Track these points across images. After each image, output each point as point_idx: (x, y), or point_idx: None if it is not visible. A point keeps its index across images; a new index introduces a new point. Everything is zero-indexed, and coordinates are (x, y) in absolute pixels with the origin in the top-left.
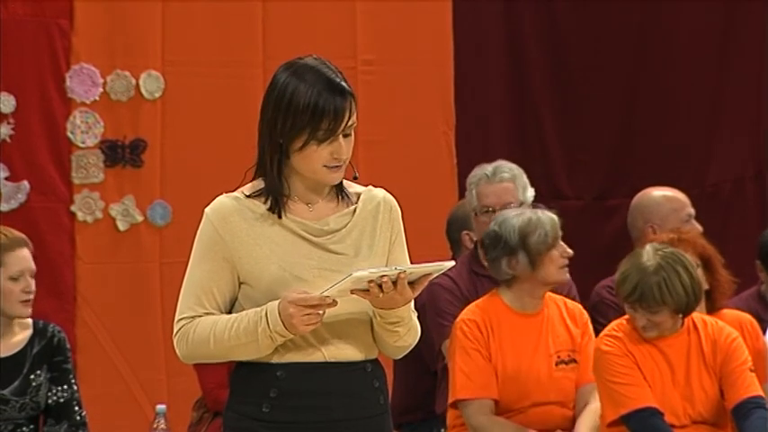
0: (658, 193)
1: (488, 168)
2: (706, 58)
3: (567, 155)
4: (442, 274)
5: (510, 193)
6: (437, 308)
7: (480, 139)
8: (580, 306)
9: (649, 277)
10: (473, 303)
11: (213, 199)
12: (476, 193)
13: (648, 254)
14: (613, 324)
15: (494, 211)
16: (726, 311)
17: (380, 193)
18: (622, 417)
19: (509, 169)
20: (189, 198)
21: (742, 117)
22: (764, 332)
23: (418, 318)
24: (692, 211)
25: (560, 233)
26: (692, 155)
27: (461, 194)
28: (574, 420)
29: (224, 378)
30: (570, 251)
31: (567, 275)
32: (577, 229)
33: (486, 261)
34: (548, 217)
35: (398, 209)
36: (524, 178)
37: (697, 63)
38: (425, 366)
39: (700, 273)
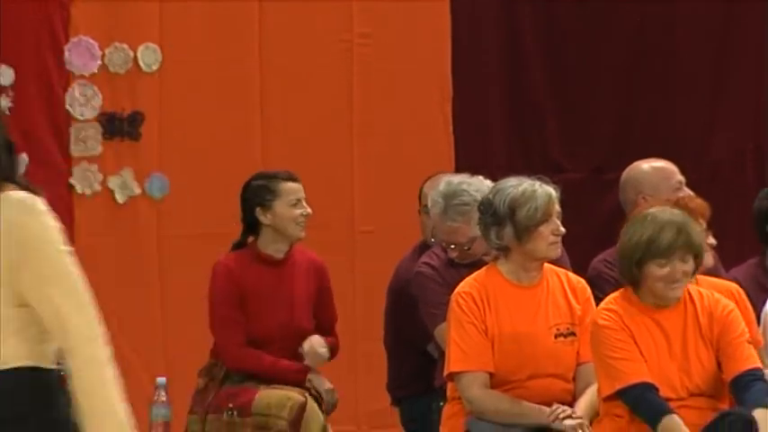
0: (646, 164)
1: (440, 201)
2: (708, 33)
3: (566, 128)
4: (424, 263)
5: (460, 233)
6: (426, 298)
7: (477, 110)
8: (583, 281)
9: (687, 224)
10: (470, 276)
11: (211, 171)
12: (431, 217)
13: (659, 211)
14: (609, 297)
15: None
16: (712, 280)
17: (11, 201)
18: (618, 391)
19: (463, 204)
20: (187, 171)
21: (743, 91)
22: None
23: (407, 306)
24: (681, 178)
25: (556, 209)
26: (692, 129)
27: (458, 168)
28: (572, 393)
29: (243, 338)
30: (562, 229)
31: (558, 252)
32: (575, 203)
33: (479, 226)
34: (544, 191)
35: (43, 224)
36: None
37: (699, 37)
38: (415, 347)
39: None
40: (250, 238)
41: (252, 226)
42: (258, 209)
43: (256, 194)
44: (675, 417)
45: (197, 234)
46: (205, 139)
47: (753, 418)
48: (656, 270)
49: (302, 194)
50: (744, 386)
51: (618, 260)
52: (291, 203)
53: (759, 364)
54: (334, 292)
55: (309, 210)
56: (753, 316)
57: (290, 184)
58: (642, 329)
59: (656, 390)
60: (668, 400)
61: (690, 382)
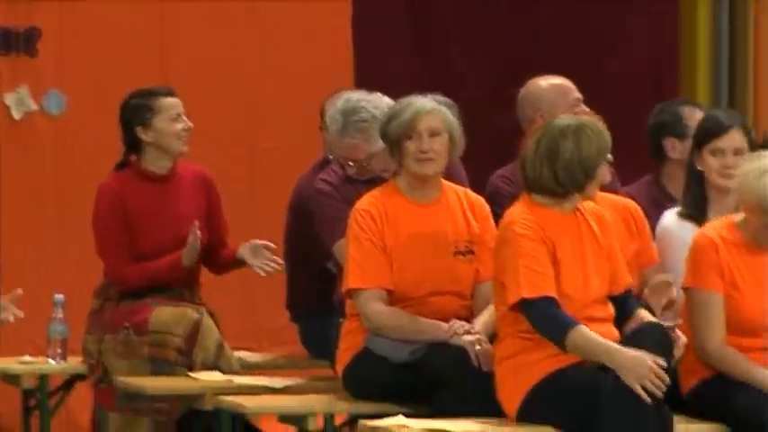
0: (544, 81)
1: (338, 118)
2: None
3: (468, 42)
4: (322, 179)
5: (359, 150)
6: (324, 214)
7: (377, 27)
8: (482, 199)
9: (603, 127)
10: (369, 193)
11: (109, 88)
12: (329, 134)
13: (565, 118)
14: (517, 207)
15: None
16: (610, 197)
17: None
18: (522, 302)
19: (362, 120)
20: (85, 87)
21: (647, 7)
22: (662, 217)
23: (306, 223)
24: (579, 95)
25: (428, 126)
26: (592, 44)
27: (358, 85)
28: (470, 310)
29: (126, 258)
30: (425, 146)
31: (428, 170)
32: (476, 120)
33: None
34: (414, 107)
35: None
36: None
37: None
38: (314, 264)
39: None
40: (133, 158)
41: (134, 145)
42: (138, 127)
43: (135, 113)
44: (582, 327)
45: (94, 151)
46: (104, 55)
47: (666, 328)
48: (601, 171)
49: (181, 109)
50: (628, 302)
51: (566, 171)
52: (172, 118)
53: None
54: (236, 210)
55: (190, 123)
56: (649, 232)
57: (169, 100)
58: (558, 235)
59: (559, 305)
60: (574, 304)
61: (598, 286)
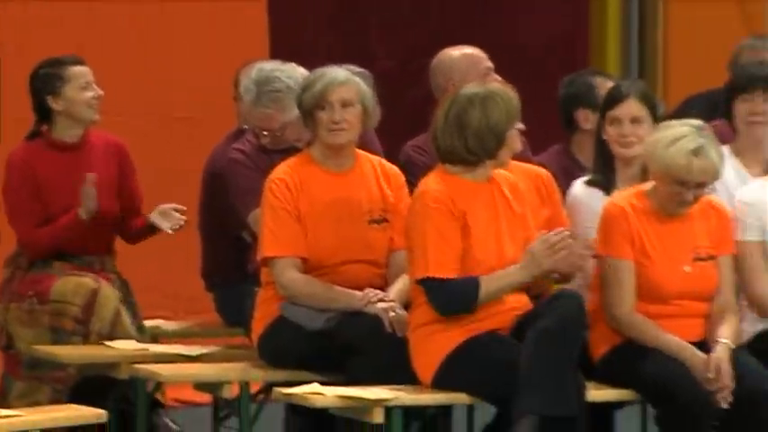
0: (456, 51)
1: (252, 88)
2: None
3: (383, 14)
4: (236, 149)
5: (273, 119)
6: (238, 184)
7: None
8: (397, 169)
9: (513, 93)
10: (284, 162)
11: (23, 59)
12: (243, 104)
13: (473, 86)
14: (431, 179)
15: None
16: (523, 165)
17: None
18: (424, 280)
19: (275, 90)
20: (18, 54)
21: None
22: (571, 186)
23: (221, 193)
24: (490, 64)
25: (340, 97)
26: (505, 14)
27: (273, 54)
28: (385, 279)
29: (39, 224)
30: (337, 117)
31: (337, 140)
32: (390, 90)
33: None
34: (327, 78)
35: None
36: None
37: None
38: (230, 233)
39: None
40: (44, 127)
41: (44, 114)
42: (49, 97)
43: (45, 82)
44: (481, 277)
45: (18, 118)
46: (17, 24)
47: (582, 298)
48: (513, 139)
49: (91, 77)
50: None
51: (476, 138)
52: (81, 87)
53: None
54: (151, 180)
55: (101, 91)
56: (560, 199)
57: (78, 68)
58: (471, 204)
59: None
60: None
61: (513, 253)
